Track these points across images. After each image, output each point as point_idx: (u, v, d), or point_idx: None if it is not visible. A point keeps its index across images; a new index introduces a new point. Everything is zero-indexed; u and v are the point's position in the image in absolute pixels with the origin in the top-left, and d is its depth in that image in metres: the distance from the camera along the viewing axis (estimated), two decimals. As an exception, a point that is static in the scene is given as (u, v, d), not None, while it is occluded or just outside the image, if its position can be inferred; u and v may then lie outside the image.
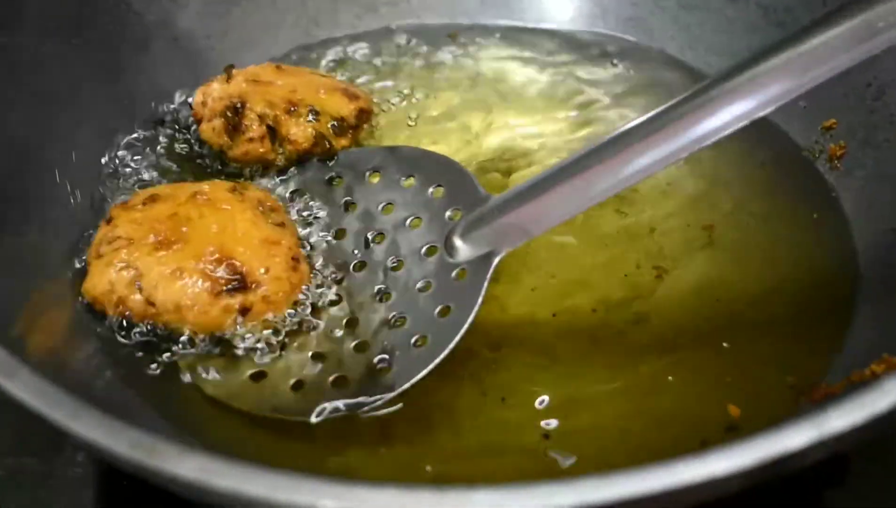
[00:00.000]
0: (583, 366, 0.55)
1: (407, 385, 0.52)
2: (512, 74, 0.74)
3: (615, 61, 0.74)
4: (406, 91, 0.73)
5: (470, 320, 0.53)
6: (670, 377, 0.54)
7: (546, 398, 0.53)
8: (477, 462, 0.50)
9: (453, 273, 0.55)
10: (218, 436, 0.51)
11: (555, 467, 0.49)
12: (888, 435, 0.50)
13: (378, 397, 0.52)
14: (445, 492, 0.36)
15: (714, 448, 0.37)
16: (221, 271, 0.55)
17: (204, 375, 0.54)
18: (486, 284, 0.54)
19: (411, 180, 0.61)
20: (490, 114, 0.71)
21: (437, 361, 0.52)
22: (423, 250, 0.57)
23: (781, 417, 0.38)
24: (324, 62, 0.75)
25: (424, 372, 0.52)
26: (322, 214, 0.61)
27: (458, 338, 0.52)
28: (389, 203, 0.60)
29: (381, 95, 0.72)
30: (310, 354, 0.55)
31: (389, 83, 0.73)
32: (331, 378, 0.53)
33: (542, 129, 0.69)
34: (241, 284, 0.55)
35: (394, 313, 0.56)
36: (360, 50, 0.76)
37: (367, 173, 0.63)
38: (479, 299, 0.53)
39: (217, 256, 0.55)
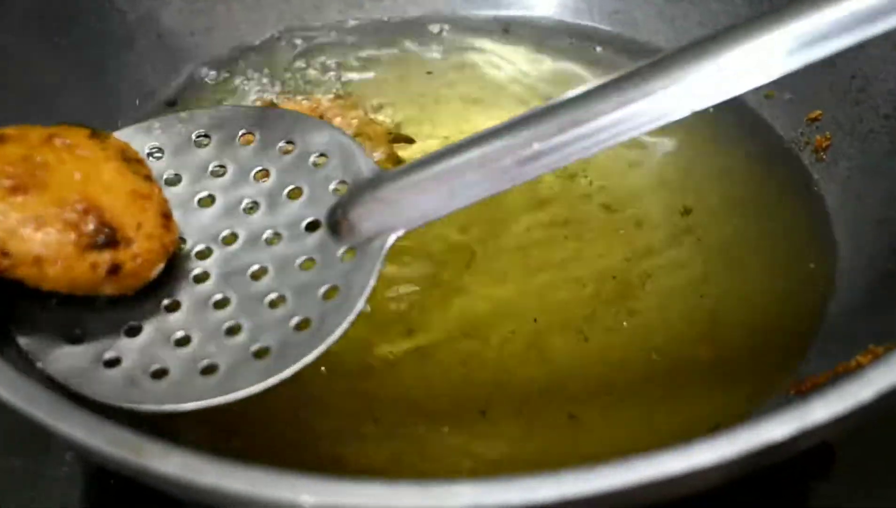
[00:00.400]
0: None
1: (288, 372, 0.46)
2: (495, 68, 0.74)
3: (600, 53, 0.74)
4: (386, 86, 0.73)
5: (360, 304, 0.47)
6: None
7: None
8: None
9: (339, 252, 0.50)
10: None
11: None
12: (873, 426, 0.51)
13: (255, 386, 0.46)
14: (429, 487, 0.36)
15: (697, 440, 0.37)
16: (89, 224, 0.47)
17: (50, 355, 0.48)
18: (378, 266, 0.48)
19: (290, 147, 0.54)
20: (472, 110, 0.71)
21: (323, 347, 0.47)
22: (304, 225, 0.52)
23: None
24: (309, 58, 0.74)
25: (309, 359, 0.47)
26: (185, 176, 0.54)
27: (347, 323, 0.47)
28: (264, 170, 0.54)
29: (361, 89, 0.72)
30: (174, 337, 0.49)
31: (370, 75, 0.73)
32: (200, 366, 0.48)
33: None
34: (110, 238, 0.48)
35: (272, 292, 0.50)
36: (345, 44, 0.75)
37: (239, 135, 0.55)
38: (371, 282, 0.48)
39: (83, 205, 0.47)
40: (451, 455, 0.52)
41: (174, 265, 0.50)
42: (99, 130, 0.52)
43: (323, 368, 0.55)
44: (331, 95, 0.71)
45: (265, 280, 0.50)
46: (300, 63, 0.73)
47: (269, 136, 0.55)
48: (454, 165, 0.48)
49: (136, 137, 0.54)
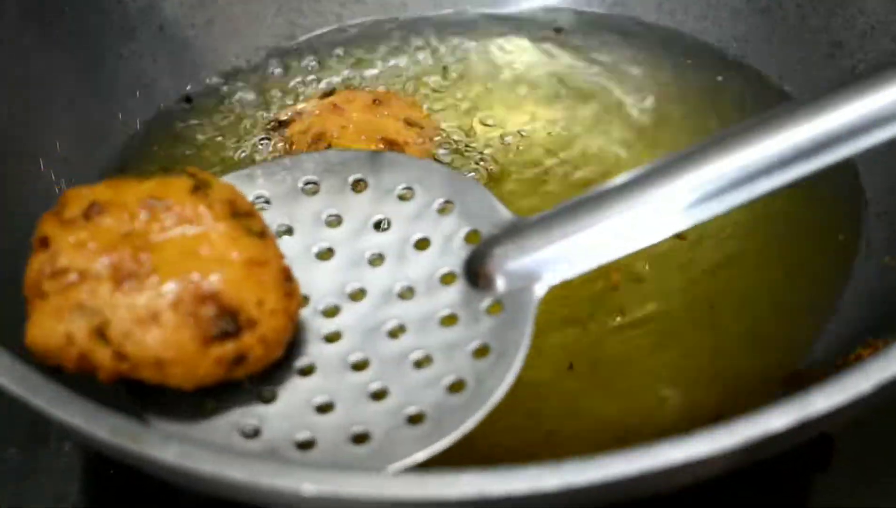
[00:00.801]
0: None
1: (450, 440, 0.42)
2: (504, 65, 0.73)
3: (603, 44, 0.73)
4: (386, 82, 0.72)
5: (518, 363, 0.44)
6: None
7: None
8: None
9: (482, 306, 0.46)
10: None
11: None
12: (873, 419, 0.51)
13: (415, 455, 0.42)
14: (432, 476, 0.36)
15: (698, 431, 0.37)
16: (208, 311, 0.42)
17: (186, 432, 0.43)
18: (531, 321, 0.45)
19: (408, 193, 0.51)
20: (478, 109, 0.70)
21: (484, 412, 0.43)
22: (438, 277, 0.48)
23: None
24: (306, 57, 0.74)
25: (470, 424, 0.43)
26: (298, 227, 0.50)
27: (506, 385, 0.43)
28: (385, 220, 0.50)
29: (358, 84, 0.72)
30: (315, 402, 0.44)
31: (373, 72, 0.73)
32: (350, 433, 0.43)
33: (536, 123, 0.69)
34: (234, 325, 0.43)
35: (415, 351, 0.46)
36: (344, 38, 0.75)
37: (351, 182, 0.51)
38: (527, 339, 0.44)
39: (199, 290, 0.43)
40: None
41: (301, 324, 0.46)
42: (201, 178, 0.46)
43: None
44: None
45: (405, 339, 0.46)
46: (307, 59, 0.74)
47: (383, 181, 0.51)
48: (604, 213, 0.45)
49: (239, 186, 0.48)
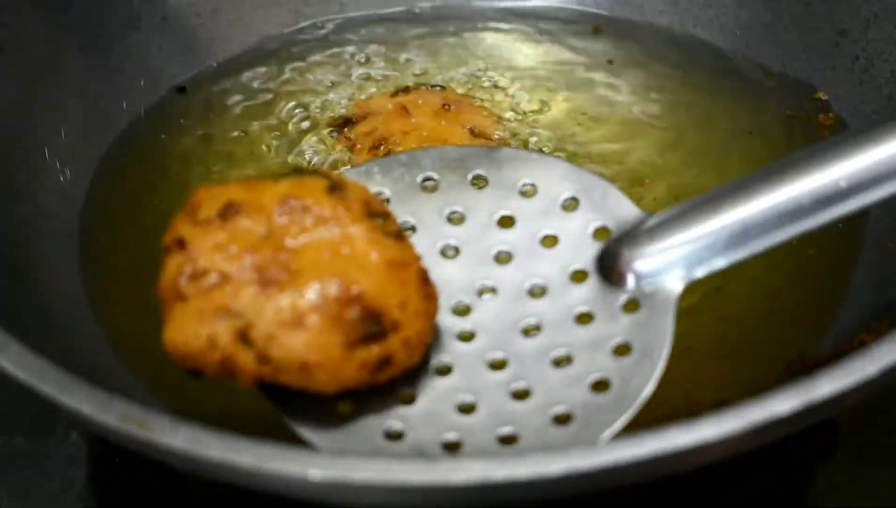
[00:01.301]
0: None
1: (600, 440, 0.42)
2: (516, 57, 0.73)
3: (605, 37, 0.73)
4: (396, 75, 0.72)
5: (664, 359, 0.44)
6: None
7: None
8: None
9: (618, 303, 0.45)
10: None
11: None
12: (878, 405, 0.51)
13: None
14: (436, 462, 0.36)
15: (704, 416, 0.37)
16: (353, 314, 0.41)
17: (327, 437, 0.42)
18: (672, 317, 0.44)
19: (532, 190, 0.50)
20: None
21: (634, 409, 0.42)
22: (570, 274, 0.47)
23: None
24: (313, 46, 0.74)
25: (620, 424, 0.42)
26: (420, 225, 0.49)
27: (653, 384, 0.43)
28: (508, 217, 0.49)
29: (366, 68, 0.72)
30: (457, 402, 0.44)
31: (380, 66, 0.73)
32: (498, 434, 0.42)
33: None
34: (378, 328, 0.42)
35: (553, 350, 0.45)
36: (349, 28, 0.75)
37: (470, 178, 0.51)
38: (670, 336, 0.44)
39: (343, 293, 0.42)
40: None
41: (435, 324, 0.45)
42: (336, 178, 0.46)
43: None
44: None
45: (542, 337, 0.45)
46: (317, 53, 0.73)
47: (504, 178, 0.50)
48: (746, 206, 0.44)
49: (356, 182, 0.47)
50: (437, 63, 0.71)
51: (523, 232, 0.48)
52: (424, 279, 0.44)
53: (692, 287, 0.49)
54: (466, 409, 0.43)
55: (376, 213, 0.45)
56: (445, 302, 0.46)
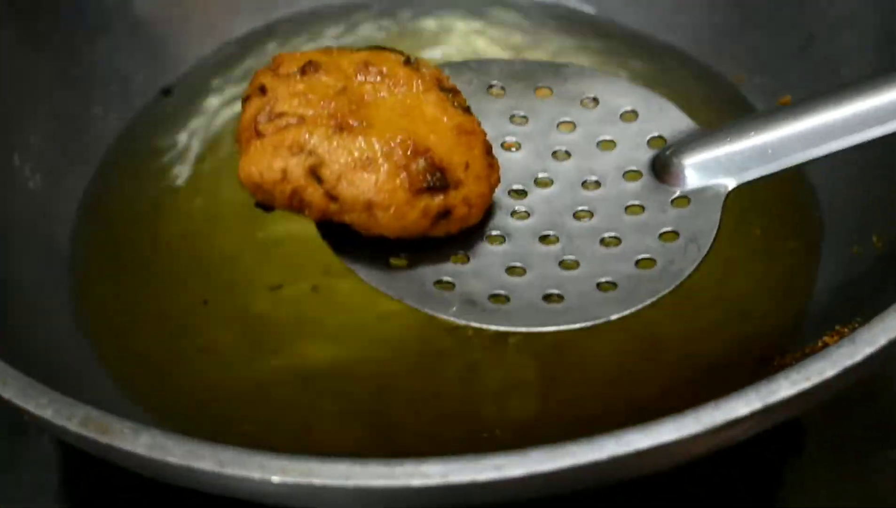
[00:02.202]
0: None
1: (642, 305, 0.45)
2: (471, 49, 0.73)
3: (568, 39, 0.73)
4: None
5: (710, 245, 0.46)
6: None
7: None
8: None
9: (669, 198, 0.49)
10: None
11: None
12: (844, 405, 0.52)
13: (609, 316, 0.44)
14: (397, 465, 0.36)
15: (663, 418, 0.37)
16: (420, 165, 0.44)
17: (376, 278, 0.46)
18: (721, 210, 0.47)
19: (593, 104, 0.53)
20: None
21: (675, 285, 0.45)
22: (623, 172, 0.50)
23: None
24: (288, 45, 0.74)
25: (661, 294, 0.45)
26: (485, 120, 0.50)
27: (697, 263, 0.46)
28: (569, 122, 0.52)
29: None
30: (507, 265, 0.46)
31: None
32: (543, 294, 0.45)
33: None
34: (441, 181, 0.45)
35: (604, 232, 0.48)
36: (324, 28, 0.75)
37: (535, 88, 0.53)
38: (717, 226, 0.47)
39: (412, 145, 0.44)
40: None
41: (493, 202, 0.48)
42: (411, 56, 0.49)
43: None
44: None
45: (592, 221, 0.48)
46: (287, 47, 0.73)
47: (567, 90, 0.53)
48: (793, 120, 0.47)
49: None
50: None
51: (582, 136, 0.51)
52: (488, 150, 0.47)
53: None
54: (516, 272, 0.46)
55: (447, 88, 0.48)
56: (503, 186, 0.48)
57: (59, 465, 0.55)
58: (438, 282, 0.45)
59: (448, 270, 0.46)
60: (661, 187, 0.49)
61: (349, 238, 0.45)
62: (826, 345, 0.44)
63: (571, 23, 0.73)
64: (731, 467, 0.52)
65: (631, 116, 0.52)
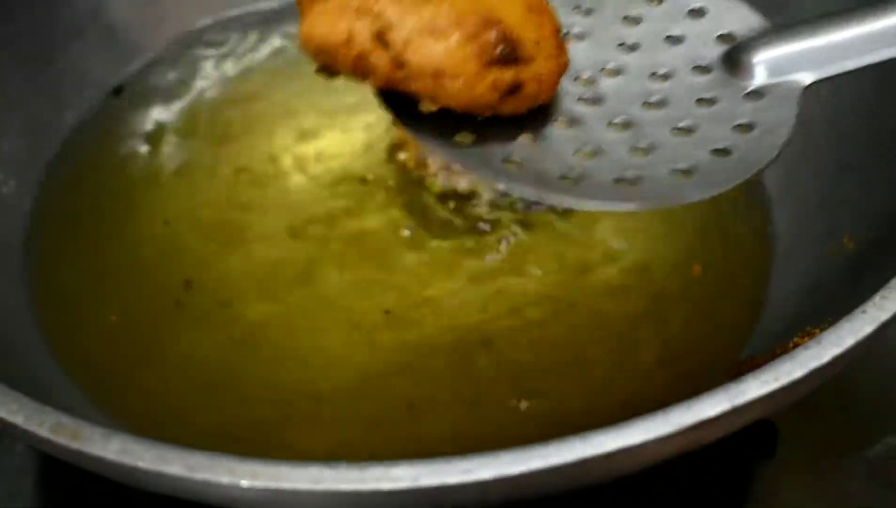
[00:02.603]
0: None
1: (717, 190, 0.44)
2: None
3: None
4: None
5: (787, 136, 0.46)
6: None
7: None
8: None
9: (742, 91, 0.47)
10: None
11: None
12: (816, 405, 0.52)
13: (689, 197, 0.44)
14: (367, 468, 0.36)
15: (631, 419, 0.37)
16: (491, 37, 0.42)
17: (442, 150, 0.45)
18: (796, 103, 0.46)
19: (657, 3, 0.51)
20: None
21: (751, 173, 0.45)
22: (693, 67, 0.49)
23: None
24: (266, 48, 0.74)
25: (738, 181, 0.44)
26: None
27: (775, 154, 0.45)
28: (635, 17, 0.51)
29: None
30: (578, 148, 0.45)
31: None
32: (617, 176, 0.44)
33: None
34: (512, 55, 0.43)
35: (678, 122, 0.47)
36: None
37: None
38: (794, 118, 0.46)
39: (484, 16, 0.42)
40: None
41: (561, 90, 0.46)
42: None
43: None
44: None
45: (664, 110, 0.47)
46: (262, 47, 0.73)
47: None
48: (879, 18, 0.46)
49: None
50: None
51: (649, 30, 0.50)
52: (558, 31, 0.45)
53: (634, 299, 0.50)
54: (589, 154, 0.45)
55: None
56: (570, 74, 0.47)
57: (33, 472, 0.55)
58: (507, 160, 0.44)
59: (516, 149, 0.44)
60: (732, 82, 0.48)
61: (412, 113, 0.44)
62: (796, 346, 0.44)
63: None
64: (703, 469, 0.52)
65: (698, 13, 0.50)
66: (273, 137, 0.67)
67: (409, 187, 0.63)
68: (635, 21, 0.50)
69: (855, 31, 0.47)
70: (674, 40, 0.49)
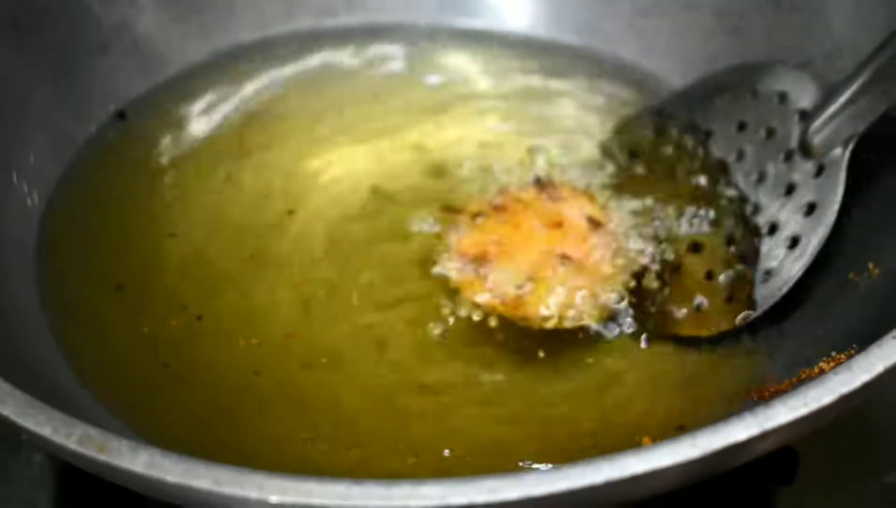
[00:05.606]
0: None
1: (792, 283, 0.54)
2: (471, 83, 0.74)
3: (571, 67, 0.74)
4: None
5: (835, 208, 0.54)
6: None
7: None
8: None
9: (810, 171, 0.56)
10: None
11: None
12: (836, 431, 0.52)
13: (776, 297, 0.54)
14: (394, 486, 0.36)
15: (660, 443, 0.37)
16: None
17: None
18: (843, 172, 0.54)
19: (752, 94, 0.61)
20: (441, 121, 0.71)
21: (807, 259, 0.54)
22: (781, 157, 0.58)
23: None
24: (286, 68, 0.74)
25: (799, 272, 0.54)
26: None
27: (825, 231, 0.54)
28: (741, 123, 0.61)
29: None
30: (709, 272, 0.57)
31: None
32: (725, 295, 0.55)
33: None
34: None
35: (768, 221, 0.57)
36: (317, 52, 0.75)
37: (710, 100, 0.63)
38: (840, 189, 0.54)
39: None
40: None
41: None
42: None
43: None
44: None
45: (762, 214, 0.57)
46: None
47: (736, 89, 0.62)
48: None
49: None
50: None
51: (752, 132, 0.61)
52: None
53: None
54: None
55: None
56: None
57: (50, 483, 0.55)
58: None
59: None
60: (804, 163, 0.57)
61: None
62: (823, 371, 0.44)
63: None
64: (724, 493, 0.52)
65: (779, 97, 0.59)
66: (292, 155, 0.68)
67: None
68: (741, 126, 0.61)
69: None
70: (769, 133, 0.59)
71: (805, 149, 0.56)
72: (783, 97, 0.59)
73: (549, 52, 0.75)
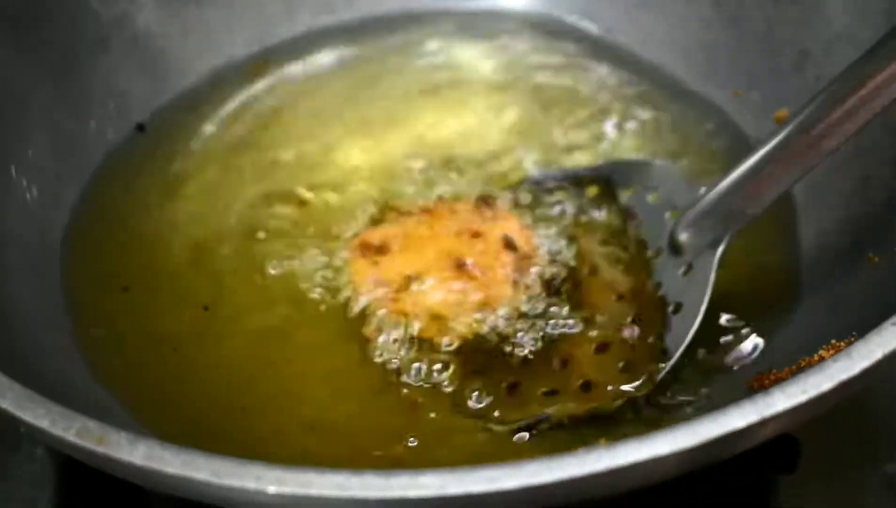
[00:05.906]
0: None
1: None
2: (470, 69, 0.74)
3: (568, 56, 0.74)
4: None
5: (702, 311, 0.54)
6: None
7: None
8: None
9: (680, 271, 0.56)
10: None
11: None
12: (837, 419, 0.52)
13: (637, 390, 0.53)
14: (393, 476, 0.36)
15: (659, 430, 0.37)
16: None
17: None
18: (713, 273, 0.54)
19: (630, 191, 0.62)
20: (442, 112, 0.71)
21: (671, 362, 0.53)
22: (650, 254, 0.59)
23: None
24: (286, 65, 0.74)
25: (662, 373, 0.53)
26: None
27: (690, 333, 0.53)
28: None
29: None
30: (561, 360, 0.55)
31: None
32: (579, 383, 0.54)
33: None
34: None
35: (632, 315, 0.56)
36: (317, 48, 0.75)
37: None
38: (708, 291, 0.54)
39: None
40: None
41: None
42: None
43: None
44: None
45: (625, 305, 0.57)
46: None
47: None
48: (753, 165, 0.53)
49: None
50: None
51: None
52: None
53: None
54: None
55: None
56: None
57: (51, 480, 0.55)
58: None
59: None
60: (673, 260, 0.57)
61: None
62: (822, 359, 0.44)
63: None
64: (725, 482, 0.52)
65: (654, 196, 0.61)
66: (301, 166, 0.68)
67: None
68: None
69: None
70: (637, 232, 0.61)
71: (674, 247, 0.57)
72: (656, 195, 0.61)
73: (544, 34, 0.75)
